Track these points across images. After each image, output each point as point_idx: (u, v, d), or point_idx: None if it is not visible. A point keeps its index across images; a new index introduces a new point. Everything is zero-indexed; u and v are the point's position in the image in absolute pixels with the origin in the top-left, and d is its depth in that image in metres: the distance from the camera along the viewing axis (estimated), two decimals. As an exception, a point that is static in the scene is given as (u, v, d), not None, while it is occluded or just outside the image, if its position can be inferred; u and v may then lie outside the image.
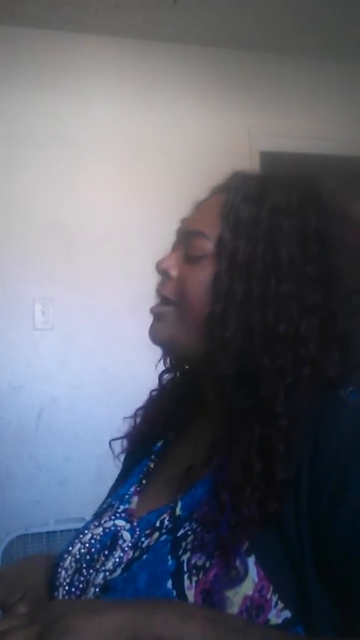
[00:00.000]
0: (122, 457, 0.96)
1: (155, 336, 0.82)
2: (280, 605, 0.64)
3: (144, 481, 0.88)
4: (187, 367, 0.89)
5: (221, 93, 2.90)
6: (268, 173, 0.83)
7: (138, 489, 0.86)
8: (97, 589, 0.73)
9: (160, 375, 0.92)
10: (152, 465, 0.89)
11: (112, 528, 0.80)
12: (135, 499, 0.85)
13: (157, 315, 0.82)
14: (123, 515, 0.82)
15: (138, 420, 0.93)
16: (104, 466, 0.99)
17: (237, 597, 0.64)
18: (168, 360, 0.91)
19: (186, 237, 0.81)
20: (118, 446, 0.94)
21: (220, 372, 0.74)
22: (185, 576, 0.66)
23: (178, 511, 0.74)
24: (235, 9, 2.61)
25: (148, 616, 0.58)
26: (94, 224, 2.70)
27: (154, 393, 0.94)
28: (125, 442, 0.94)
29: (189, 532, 0.70)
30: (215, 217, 0.78)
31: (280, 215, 0.75)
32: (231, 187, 0.80)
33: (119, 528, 0.80)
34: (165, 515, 0.75)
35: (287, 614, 0.64)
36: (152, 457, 0.90)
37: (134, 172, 2.76)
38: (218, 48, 2.90)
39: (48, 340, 2.64)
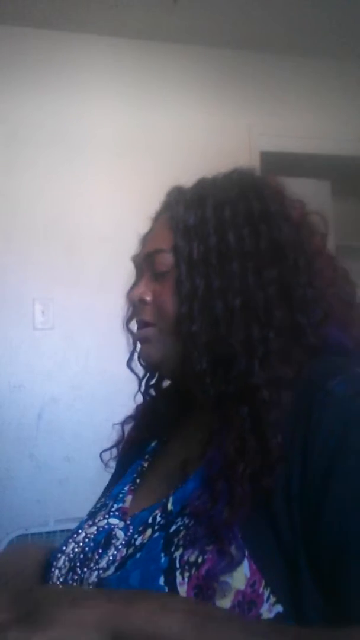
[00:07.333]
0: (113, 464, 0.96)
1: (147, 358, 0.86)
2: (272, 599, 0.64)
3: (137, 480, 0.88)
4: (170, 380, 0.91)
5: (221, 93, 2.90)
6: (200, 178, 0.87)
7: (132, 488, 0.87)
8: (91, 587, 0.73)
9: (145, 391, 0.93)
10: (145, 465, 0.90)
11: (106, 527, 0.80)
12: (129, 497, 0.85)
13: (143, 338, 0.85)
14: (117, 513, 0.82)
15: (127, 428, 0.95)
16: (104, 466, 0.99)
17: (229, 591, 0.64)
18: (145, 382, 0.93)
19: (148, 259, 0.84)
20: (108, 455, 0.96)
21: (197, 368, 0.75)
22: (178, 572, 0.66)
23: (170, 506, 0.74)
24: (235, 9, 2.61)
25: (127, 607, 0.59)
26: (94, 224, 2.70)
27: (140, 407, 0.96)
28: (115, 451, 0.95)
29: (182, 528, 0.70)
30: (166, 232, 0.82)
31: (224, 207, 0.79)
32: (171, 203, 0.85)
33: (112, 526, 0.80)
34: (157, 512, 0.75)
35: (279, 608, 0.64)
36: (146, 456, 0.91)
37: (134, 171, 2.76)
38: (218, 48, 2.90)
39: (48, 340, 2.64)
